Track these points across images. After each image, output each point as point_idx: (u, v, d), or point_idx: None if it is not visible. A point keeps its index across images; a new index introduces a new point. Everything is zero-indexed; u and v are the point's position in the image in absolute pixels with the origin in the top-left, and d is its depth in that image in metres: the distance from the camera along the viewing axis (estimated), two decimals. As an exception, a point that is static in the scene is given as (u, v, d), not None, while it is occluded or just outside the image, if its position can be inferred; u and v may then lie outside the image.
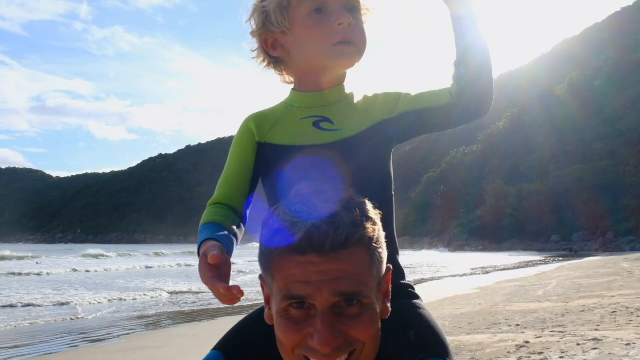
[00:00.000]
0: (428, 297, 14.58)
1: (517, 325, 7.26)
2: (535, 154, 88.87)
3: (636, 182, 67.86)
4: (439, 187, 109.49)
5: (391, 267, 1.29)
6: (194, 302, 13.59)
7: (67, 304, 13.32)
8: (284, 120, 1.59)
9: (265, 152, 1.58)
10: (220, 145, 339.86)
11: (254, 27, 1.59)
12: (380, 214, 1.23)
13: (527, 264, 32.04)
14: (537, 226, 73.20)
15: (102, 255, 43.45)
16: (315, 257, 1.12)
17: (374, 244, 1.20)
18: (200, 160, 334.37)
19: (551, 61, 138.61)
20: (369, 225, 1.18)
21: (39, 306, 12.87)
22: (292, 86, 1.64)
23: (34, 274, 23.87)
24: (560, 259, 40.05)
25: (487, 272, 24.84)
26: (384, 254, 1.25)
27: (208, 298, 13.92)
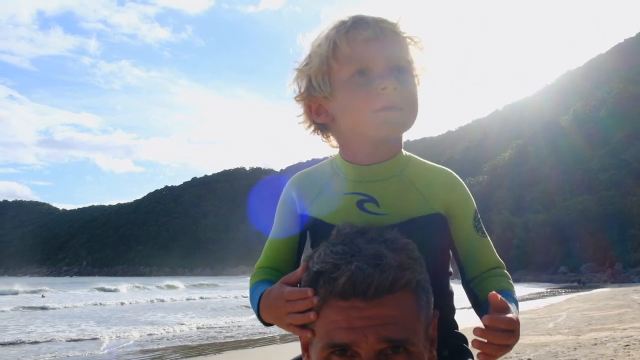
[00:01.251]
0: None
1: (529, 359, 7.22)
2: (541, 185, 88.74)
3: (643, 212, 67.46)
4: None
5: (438, 312, 1.26)
6: (229, 334, 13.56)
7: (96, 338, 13.30)
8: (328, 191, 1.49)
9: (308, 224, 1.50)
10: (225, 177, 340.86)
11: (297, 92, 1.48)
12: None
13: (535, 296, 31.76)
14: (544, 257, 72.69)
15: (115, 289, 43.30)
16: (359, 302, 1.07)
17: (421, 288, 1.15)
18: (206, 192, 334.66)
19: (555, 92, 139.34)
20: (416, 267, 1.14)
21: (67, 341, 12.80)
22: (339, 150, 1.52)
23: (51, 308, 23.86)
24: (569, 290, 39.69)
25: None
26: (431, 298, 1.21)
27: (236, 330, 13.87)
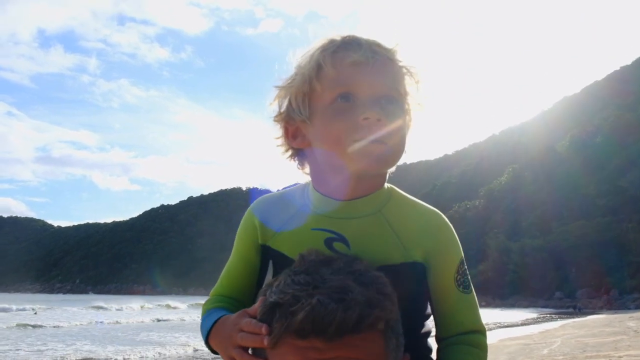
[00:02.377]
0: None
1: (523, 385, 7.15)
2: (538, 210, 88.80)
3: None
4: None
5: (409, 356, 1.16)
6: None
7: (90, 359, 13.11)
8: (294, 223, 1.34)
9: (269, 256, 1.37)
10: (221, 197, 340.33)
11: (277, 111, 1.35)
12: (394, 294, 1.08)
13: (530, 321, 31.62)
14: (540, 282, 72.48)
15: (112, 308, 42.96)
16: (319, 342, 0.96)
17: (390, 329, 1.04)
18: (202, 211, 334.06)
19: (552, 118, 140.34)
20: (386, 304, 1.02)
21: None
22: (311, 180, 1.37)
23: (51, 327, 23.60)
24: (565, 316, 39.52)
25: (490, 330, 24.49)
26: (402, 340, 1.10)
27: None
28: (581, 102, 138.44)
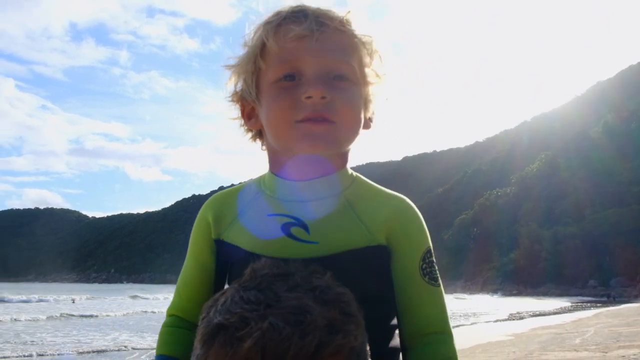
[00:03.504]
0: (459, 344, 14.30)
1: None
2: (571, 197, 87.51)
3: (676, 226, 66.12)
4: (472, 230, 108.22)
5: None
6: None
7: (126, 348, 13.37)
8: (249, 211, 1.24)
9: (223, 252, 1.25)
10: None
11: (233, 91, 1.27)
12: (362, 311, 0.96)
13: (563, 310, 31.35)
14: (573, 271, 71.55)
15: (149, 297, 43.76)
16: None
17: (355, 356, 0.90)
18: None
19: (585, 104, 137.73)
20: (351, 328, 0.88)
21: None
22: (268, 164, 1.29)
23: (89, 316, 24.08)
24: (598, 305, 39.05)
25: (522, 318, 24.39)
26: None
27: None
28: (615, 87, 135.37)
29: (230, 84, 1.27)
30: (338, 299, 0.90)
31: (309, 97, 1.11)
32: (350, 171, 1.26)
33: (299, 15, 1.16)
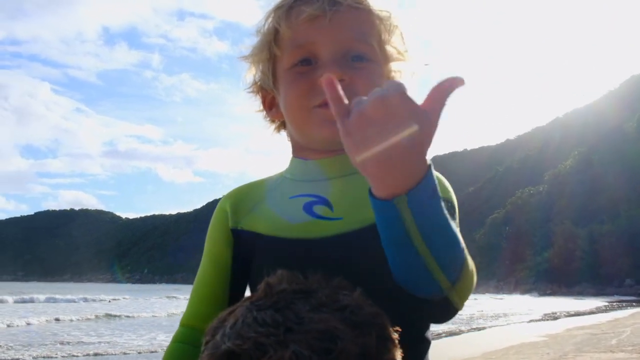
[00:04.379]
0: (492, 345, 13.28)
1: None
2: (605, 194, 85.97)
3: None
4: (504, 229, 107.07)
5: None
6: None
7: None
8: (270, 198, 1.17)
9: (240, 243, 1.16)
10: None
11: (252, 82, 1.23)
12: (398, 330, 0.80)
13: (599, 310, 30.86)
14: (609, 269, 70.28)
15: (184, 298, 44.31)
16: None
17: None
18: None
19: (619, 98, 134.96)
20: (386, 356, 0.75)
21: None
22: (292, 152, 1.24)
23: (125, 317, 24.23)
24: (635, 304, 38.31)
25: (556, 318, 24.09)
26: None
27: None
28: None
29: (249, 74, 1.22)
30: (372, 320, 0.75)
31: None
32: None
33: None
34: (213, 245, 1.21)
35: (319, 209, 1.09)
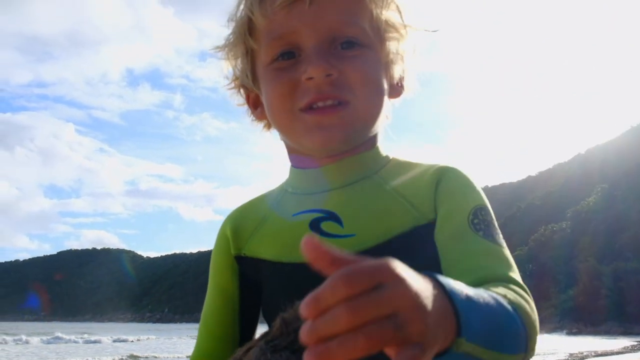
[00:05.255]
0: None
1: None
2: (630, 231, 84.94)
3: None
4: (528, 266, 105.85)
5: None
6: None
7: None
8: (270, 218, 1.05)
9: (246, 270, 1.06)
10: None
11: (230, 76, 1.10)
12: None
13: (626, 350, 30.42)
14: (636, 307, 69.03)
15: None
16: None
17: None
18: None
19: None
20: None
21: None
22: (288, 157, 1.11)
23: (152, 358, 24.43)
24: (665, 344, 37.63)
25: (583, 358, 23.88)
26: None
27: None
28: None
29: (227, 68, 1.08)
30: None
31: (309, 79, 0.91)
32: (382, 150, 1.04)
33: None
34: (218, 274, 1.09)
35: (328, 226, 0.96)
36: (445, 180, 0.96)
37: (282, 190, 1.07)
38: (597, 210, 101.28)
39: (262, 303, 1.05)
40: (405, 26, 0.98)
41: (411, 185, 0.97)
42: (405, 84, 1.03)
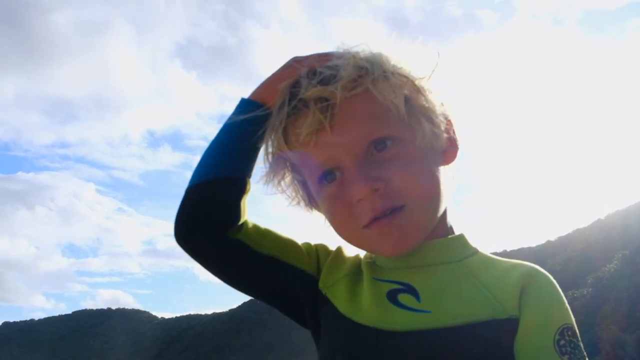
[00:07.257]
0: None
1: None
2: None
3: None
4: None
5: None
6: None
7: None
8: (356, 271, 1.07)
9: (320, 306, 1.06)
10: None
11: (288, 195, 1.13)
12: None
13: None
14: (662, 379, 66.98)
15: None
16: None
17: None
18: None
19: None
20: None
21: None
22: None
23: None
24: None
25: None
26: None
27: None
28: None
29: (279, 194, 1.11)
30: None
31: (360, 200, 0.92)
32: (467, 238, 1.05)
33: (299, 104, 0.95)
34: (308, 253, 1.12)
35: (405, 298, 0.96)
36: (534, 284, 0.95)
37: (370, 258, 1.08)
38: (618, 276, 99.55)
39: (318, 349, 1.05)
40: (435, 106, 0.97)
41: (496, 279, 0.96)
42: (457, 138, 1.02)
